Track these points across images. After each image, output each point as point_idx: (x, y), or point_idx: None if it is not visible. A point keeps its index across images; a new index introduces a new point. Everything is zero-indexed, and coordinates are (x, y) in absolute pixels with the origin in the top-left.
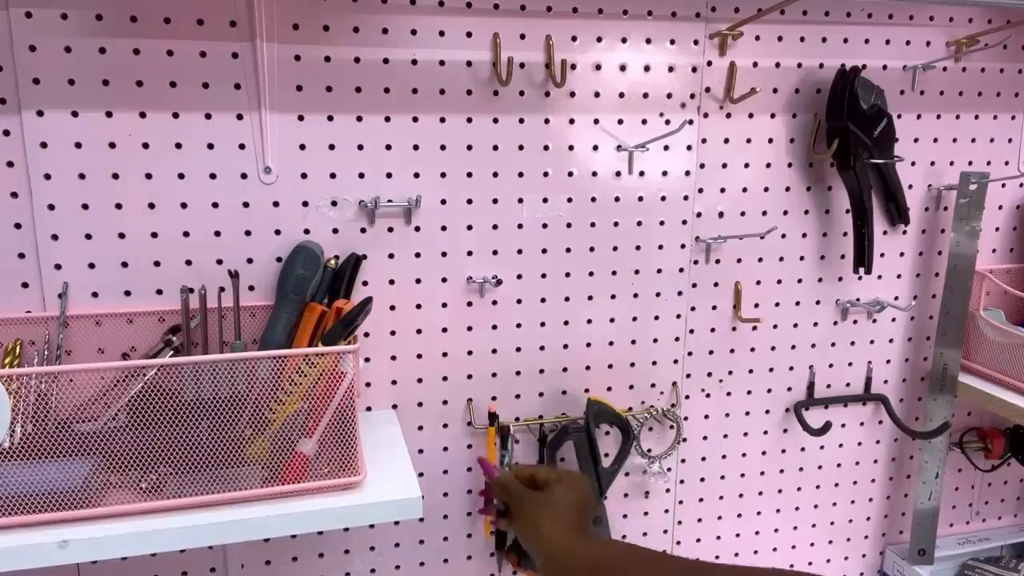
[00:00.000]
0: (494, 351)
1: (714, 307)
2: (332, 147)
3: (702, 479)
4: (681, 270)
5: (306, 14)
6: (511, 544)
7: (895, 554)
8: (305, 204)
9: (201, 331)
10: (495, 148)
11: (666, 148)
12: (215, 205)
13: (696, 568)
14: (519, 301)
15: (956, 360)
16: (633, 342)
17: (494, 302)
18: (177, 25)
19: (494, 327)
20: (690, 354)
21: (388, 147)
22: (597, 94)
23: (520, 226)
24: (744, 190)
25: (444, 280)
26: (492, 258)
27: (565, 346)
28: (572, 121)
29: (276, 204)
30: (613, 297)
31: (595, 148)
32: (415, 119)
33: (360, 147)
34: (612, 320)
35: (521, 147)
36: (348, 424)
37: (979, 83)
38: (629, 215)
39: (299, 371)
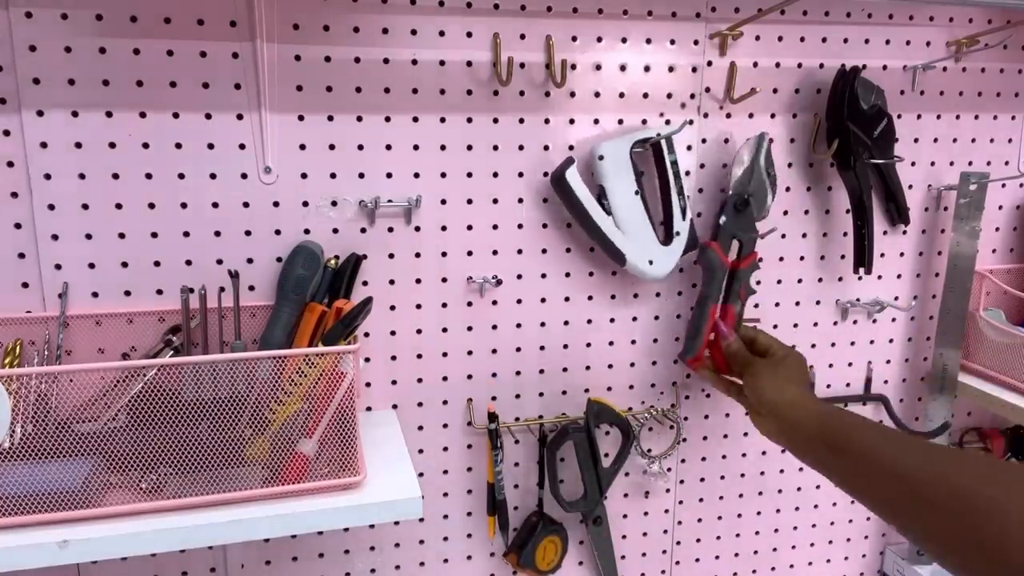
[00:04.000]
0: (494, 351)
1: None
2: (332, 147)
3: (702, 479)
4: (681, 270)
5: (306, 14)
6: (510, 544)
7: (895, 554)
8: (305, 204)
9: (201, 331)
10: (495, 148)
11: None
12: (215, 205)
13: (904, 441)
14: (519, 301)
15: (956, 360)
16: (633, 342)
17: (494, 302)
18: (177, 25)
19: (494, 327)
20: None
21: (388, 147)
22: (597, 94)
23: (520, 226)
24: None
25: (444, 280)
26: (492, 258)
27: (565, 346)
28: (572, 121)
29: (276, 204)
30: (613, 297)
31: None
32: (415, 119)
33: (360, 147)
34: (612, 320)
35: (521, 147)
36: (348, 424)
37: (979, 83)
38: None
39: (299, 371)
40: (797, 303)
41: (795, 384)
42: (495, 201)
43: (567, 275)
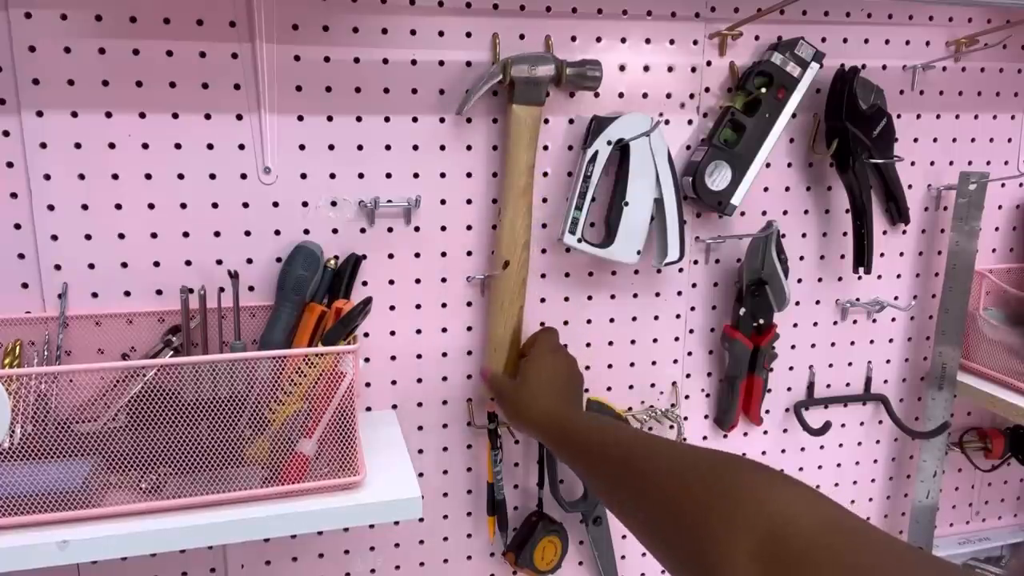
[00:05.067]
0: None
1: (714, 307)
2: (332, 147)
3: None
4: (681, 270)
5: (306, 14)
6: (509, 544)
7: None
8: (305, 204)
9: (201, 331)
10: (494, 148)
11: None
12: (215, 205)
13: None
14: None
15: (956, 360)
16: (633, 342)
17: None
18: (176, 25)
19: None
20: (690, 354)
21: (388, 147)
22: (596, 94)
23: None
24: None
25: (444, 280)
26: (492, 258)
27: (565, 345)
28: (572, 121)
29: (276, 204)
30: (613, 297)
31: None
32: (415, 119)
33: (360, 147)
34: (612, 320)
35: None
36: (348, 424)
37: (979, 83)
38: None
39: (299, 371)
40: (797, 303)
41: (534, 409)
42: (494, 201)
43: (567, 275)
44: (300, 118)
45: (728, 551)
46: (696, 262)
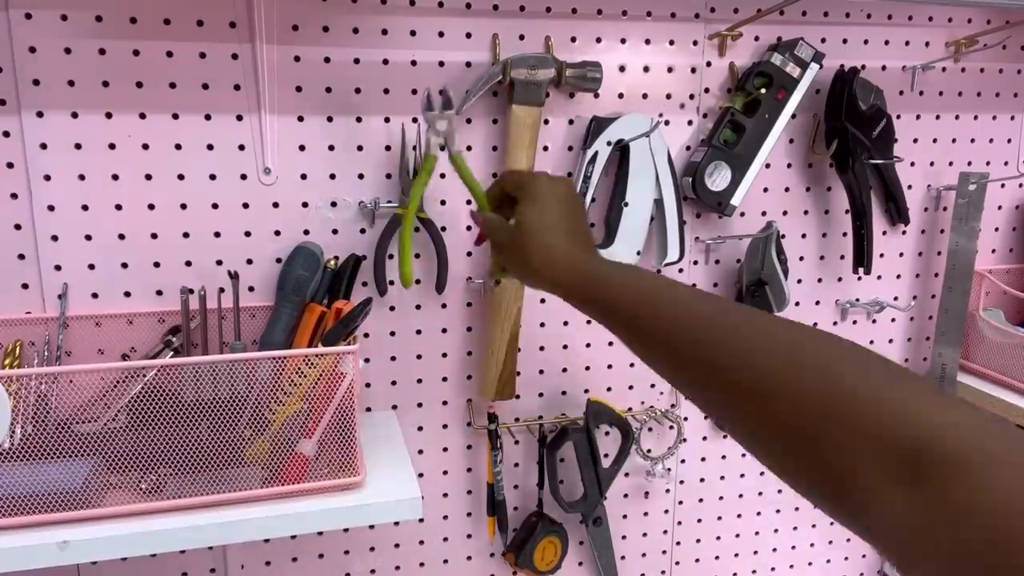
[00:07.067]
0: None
1: None
2: (332, 148)
3: (702, 479)
4: (681, 270)
5: (306, 15)
6: (509, 544)
7: None
8: (305, 205)
9: (201, 332)
10: (494, 149)
11: None
12: (215, 206)
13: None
14: None
15: (955, 360)
16: None
17: None
18: (177, 26)
19: None
20: None
21: (387, 148)
22: (596, 95)
23: None
24: None
25: None
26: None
27: (565, 346)
28: (571, 122)
29: (276, 205)
30: None
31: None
32: (414, 120)
33: (360, 148)
34: None
35: None
36: (348, 425)
37: (978, 83)
38: None
39: (299, 372)
40: (797, 303)
41: (537, 254)
42: None
43: None
44: (300, 118)
45: (860, 469)
46: (696, 262)
